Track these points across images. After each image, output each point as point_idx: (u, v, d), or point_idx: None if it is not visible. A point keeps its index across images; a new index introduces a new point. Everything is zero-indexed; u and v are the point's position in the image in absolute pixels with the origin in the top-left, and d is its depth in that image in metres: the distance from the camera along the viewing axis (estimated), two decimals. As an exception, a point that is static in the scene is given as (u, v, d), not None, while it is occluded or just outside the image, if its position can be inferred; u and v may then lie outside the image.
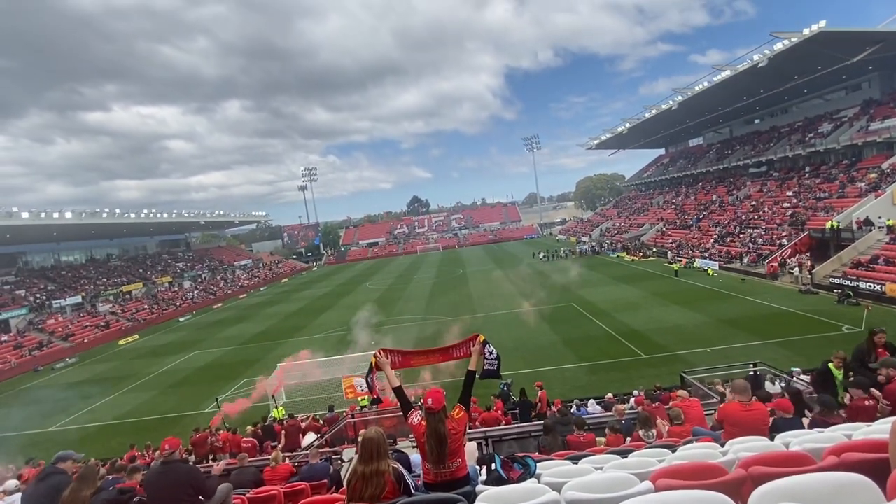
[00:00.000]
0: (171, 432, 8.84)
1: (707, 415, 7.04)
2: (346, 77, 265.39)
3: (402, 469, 2.83)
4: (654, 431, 6.24)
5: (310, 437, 11.65)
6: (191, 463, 7.39)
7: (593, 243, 59.21)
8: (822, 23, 29.20)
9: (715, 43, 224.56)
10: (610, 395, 12.45)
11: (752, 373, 11.23)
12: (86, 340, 38.99)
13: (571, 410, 11.24)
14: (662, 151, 77.06)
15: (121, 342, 38.72)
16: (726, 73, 38.44)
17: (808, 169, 40.03)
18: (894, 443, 1.90)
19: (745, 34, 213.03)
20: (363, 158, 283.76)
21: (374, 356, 3.64)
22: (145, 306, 50.37)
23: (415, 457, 4.30)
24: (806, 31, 29.69)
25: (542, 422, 8.11)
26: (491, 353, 3.60)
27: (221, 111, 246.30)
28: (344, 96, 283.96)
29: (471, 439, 7.24)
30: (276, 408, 15.49)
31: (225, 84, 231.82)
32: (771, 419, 4.79)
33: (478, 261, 62.22)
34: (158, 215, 58.16)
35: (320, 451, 8.60)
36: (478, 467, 3.58)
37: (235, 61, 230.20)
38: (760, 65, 33.89)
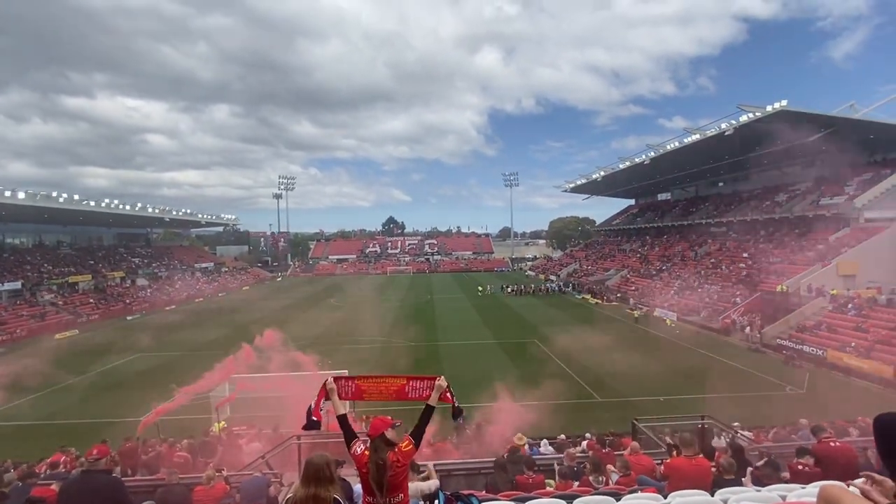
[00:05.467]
0: (98, 439, 8.23)
1: (657, 464, 7.09)
2: (338, 97, 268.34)
3: (342, 500, 2.72)
4: (604, 478, 6.25)
5: (254, 446, 11.07)
6: (116, 475, 6.86)
7: (561, 282, 60.35)
8: (784, 102, 31.75)
9: (680, 111, 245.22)
10: (563, 436, 12.42)
11: (700, 425, 11.47)
12: (19, 331, 36.24)
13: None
14: (633, 202, 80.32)
15: (58, 336, 36.17)
16: (696, 137, 40.91)
17: (763, 233, 42.54)
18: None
19: (707, 106, 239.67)
20: (344, 174, 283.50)
21: (326, 382, 3.55)
22: (91, 300, 47.50)
23: (357, 487, 4.14)
24: (769, 108, 32.19)
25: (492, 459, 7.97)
26: (454, 396, 3.58)
27: (209, 113, 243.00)
28: (333, 114, 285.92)
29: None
30: (218, 421, 14.67)
31: (217, 88, 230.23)
32: (713, 475, 4.90)
33: (447, 288, 62.16)
34: (120, 206, 55.38)
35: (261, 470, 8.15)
36: (421, 503, 3.47)
37: (232, 69, 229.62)
38: (727, 132, 36.31)
